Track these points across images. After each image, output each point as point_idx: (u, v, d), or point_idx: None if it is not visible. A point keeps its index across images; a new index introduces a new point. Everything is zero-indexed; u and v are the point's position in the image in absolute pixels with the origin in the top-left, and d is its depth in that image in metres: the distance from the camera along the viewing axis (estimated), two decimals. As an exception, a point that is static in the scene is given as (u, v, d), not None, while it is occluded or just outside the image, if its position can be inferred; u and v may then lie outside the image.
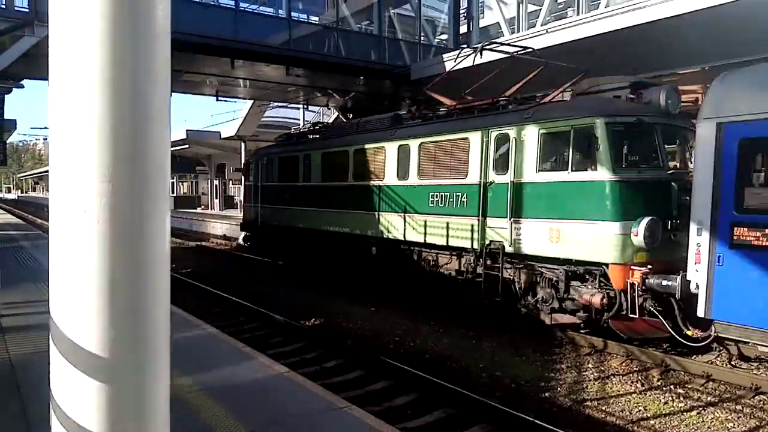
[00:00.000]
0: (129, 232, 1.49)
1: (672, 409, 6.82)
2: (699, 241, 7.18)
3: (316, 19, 21.50)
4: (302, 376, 7.52)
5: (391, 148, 12.17)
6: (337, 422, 4.27)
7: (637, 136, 8.59)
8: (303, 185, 15.45)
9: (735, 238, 6.83)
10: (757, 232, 6.64)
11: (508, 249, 9.52)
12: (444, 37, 23.69)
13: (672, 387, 7.46)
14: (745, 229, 6.74)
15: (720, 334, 7.43)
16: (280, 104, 30.66)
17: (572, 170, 8.70)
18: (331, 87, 22.74)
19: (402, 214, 11.82)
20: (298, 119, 32.87)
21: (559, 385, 7.62)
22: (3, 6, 14.08)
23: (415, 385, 7.45)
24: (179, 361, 5.80)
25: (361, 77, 20.83)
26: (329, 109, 28.13)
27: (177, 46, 14.88)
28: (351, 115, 26.20)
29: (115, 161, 1.45)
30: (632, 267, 8.02)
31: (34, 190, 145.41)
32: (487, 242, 9.91)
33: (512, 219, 9.41)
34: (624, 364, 8.32)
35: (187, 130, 36.73)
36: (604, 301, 8.38)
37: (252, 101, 29.50)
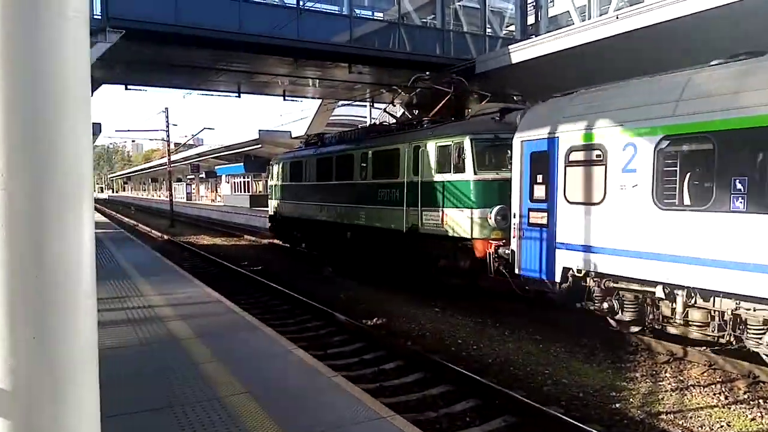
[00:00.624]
0: (33, 247, 1.27)
1: (760, 426, 6.17)
2: (515, 222, 10.30)
3: (381, 15, 21.36)
4: (350, 380, 7.42)
5: (357, 155, 15.49)
6: (379, 434, 4.07)
7: (495, 148, 11.63)
8: (303, 184, 18.97)
9: (530, 219, 9.93)
10: (538, 214, 9.79)
11: (421, 230, 12.64)
12: (512, 28, 23.00)
13: (760, 401, 6.76)
14: (533, 213, 9.88)
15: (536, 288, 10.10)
16: (347, 102, 30.80)
17: (453, 173, 11.79)
18: (395, 83, 22.58)
19: (363, 206, 15.00)
20: (366, 117, 32.90)
21: (632, 395, 7.08)
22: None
23: (475, 390, 7.14)
24: (225, 359, 5.79)
25: (426, 72, 20.55)
26: (395, 105, 27.99)
27: (242, 48, 15.23)
28: (416, 111, 25.96)
29: (11, 164, 1.23)
30: (490, 241, 11.00)
31: (123, 189, 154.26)
32: (410, 225, 13.01)
33: (421, 208, 12.64)
34: (705, 374, 7.65)
35: (259, 130, 37.61)
36: (470, 265, 11.44)
37: (320, 100, 29.78)
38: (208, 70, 19.95)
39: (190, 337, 6.84)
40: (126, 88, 21.69)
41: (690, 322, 7.71)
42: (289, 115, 62.72)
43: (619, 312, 8.70)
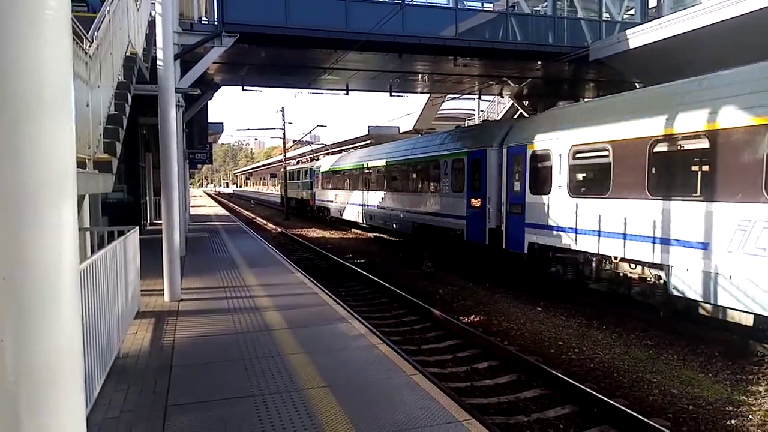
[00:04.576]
0: (2, 246, 1.25)
1: None
2: (313, 192, 38.14)
3: (490, 5, 20.81)
4: (442, 378, 7.28)
5: (302, 169, 42.15)
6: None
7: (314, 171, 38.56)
8: (291, 182, 44.56)
9: (316, 195, 37.93)
10: (317, 191, 37.86)
11: (303, 197, 40.30)
12: (632, 12, 21.51)
13: None
14: (317, 192, 37.60)
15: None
16: (455, 96, 30.48)
17: (306, 179, 39.86)
18: (505, 75, 21.96)
19: (308, 191, 38.45)
20: (473, 110, 32.38)
21: (752, 411, 6.34)
22: (203, 21, 15.78)
23: (572, 396, 6.75)
24: (311, 351, 5.87)
25: (538, 62, 19.76)
26: (503, 97, 27.24)
27: (348, 45, 15.47)
28: (527, 102, 25.11)
29: None
30: (311, 200, 37.92)
31: (246, 184, 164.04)
32: (302, 197, 40.45)
33: (303, 191, 40.50)
34: None
35: (368, 127, 38.29)
36: (309, 207, 38.90)
37: (427, 95, 29.66)
38: (317, 69, 20.51)
39: (282, 327, 7.03)
40: (242, 89, 22.85)
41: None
42: (397, 111, 63.53)
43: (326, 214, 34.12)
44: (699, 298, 8.64)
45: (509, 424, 6.22)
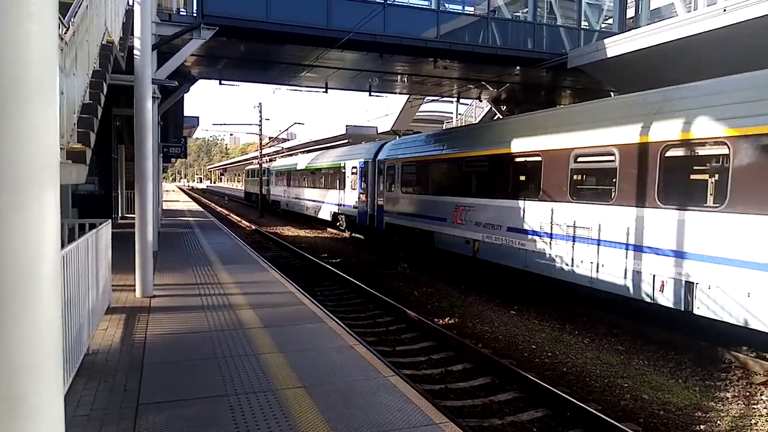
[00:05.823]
0: None
1: None
2: (269, 189, 44.92)
3: (471, 9, 20.89)
4: (416, 379, 7.27)
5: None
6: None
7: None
8: (254, 179, 47.31)
9: (270, 190, 44.60)
10: (273, 188, 43.85)
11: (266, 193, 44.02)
12: (610, 21, 21.82)
13: None
14: (272, 188, 44.92)
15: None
16: (434, 98, 30.55)
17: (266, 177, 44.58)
18: (483, 78, 22.07)
19: (265, 187, 41.75)
20: (452, 113, 32.50)
21: (720, 417, 6.45)
22: (181, 12, 15.53)
23: (545, 400, 6.79)
24: (287, 351, 5.80)
25: (517, 67, 19.89)
26: (481, 101, 27.40)
27: (329, 43, 15.36)
28: (504, 107, 25.30)
29: None
30: (268, 195, 44.59)
31: (220, 180, 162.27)
32: (264, 192, 42.39)
33: (266, 186, 43.70)
34: (810, 400, 6.87)
35: (346, 126, 38.16)
36: (268, 200, 43.40)
37: (406, 97, 29.63)
38: (297, 66, 20.35)
39: (256, 326, 6.93)
40: (220, 83, 22.59)
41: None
42: (376, 111, 63.76)
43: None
44: (447, 248, 15.49)
45: (483, 426, 6.23)
